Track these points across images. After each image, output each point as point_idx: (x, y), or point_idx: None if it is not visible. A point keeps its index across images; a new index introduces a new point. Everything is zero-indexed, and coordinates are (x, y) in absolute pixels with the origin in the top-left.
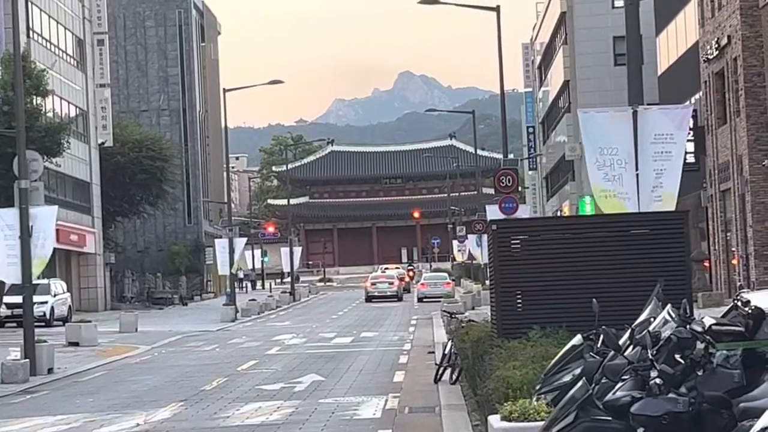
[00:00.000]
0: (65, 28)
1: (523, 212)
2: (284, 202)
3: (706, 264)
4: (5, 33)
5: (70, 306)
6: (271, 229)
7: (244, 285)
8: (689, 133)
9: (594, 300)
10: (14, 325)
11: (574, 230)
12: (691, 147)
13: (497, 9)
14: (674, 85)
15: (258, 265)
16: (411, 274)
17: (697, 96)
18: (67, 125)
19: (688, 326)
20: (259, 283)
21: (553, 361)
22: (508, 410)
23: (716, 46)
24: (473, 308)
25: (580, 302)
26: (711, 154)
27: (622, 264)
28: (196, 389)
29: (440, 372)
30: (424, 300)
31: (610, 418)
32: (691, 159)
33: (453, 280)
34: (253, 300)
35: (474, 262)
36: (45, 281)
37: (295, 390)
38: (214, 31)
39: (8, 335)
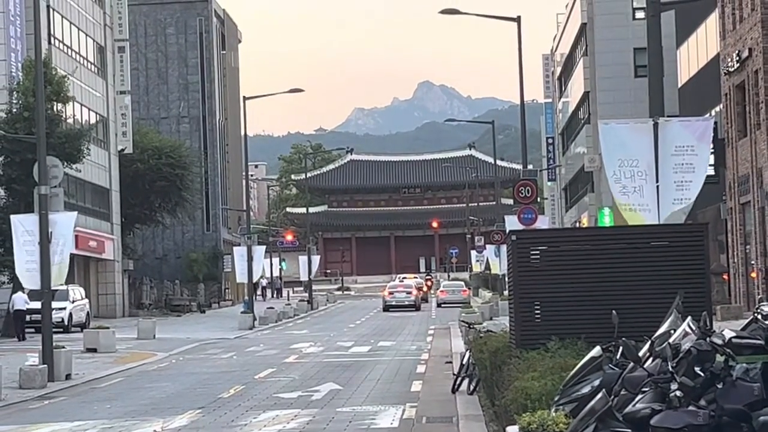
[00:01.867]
0: (86, 35)
1: (542, 223)
2: (303, 210)
3: (725, 277)
4: (27, 39)
5: (88, 312)
6: (289, 238)
7: (266, 292)
8: (711, 146)
9: (613, 311)
10: (32, 330)
11: (594, 242)
12: (711, 159)
13: (518, 20)
14: (695, 98)
15: (276, 273)
16: (429, 283)
17: (717, 108)
18: (88, 132)
19: (708, 339)
20: (283, 292)
21: (572, 372)
22: (527, 421)
23: (737, 58)
24: (491, 318)
25: (599, 314)
26: (731, 167)
27: (642, 276)
28: (213, 397)
29: (458, 382)
30: (443, 306)
31: (629, 430)
32: (710, 171)
33: (469, 288)
34: (271, 308)
35: (491, 272)
36: (63, 287)
37: (313, 398)
38: (235, 39)
39: (27, 341)
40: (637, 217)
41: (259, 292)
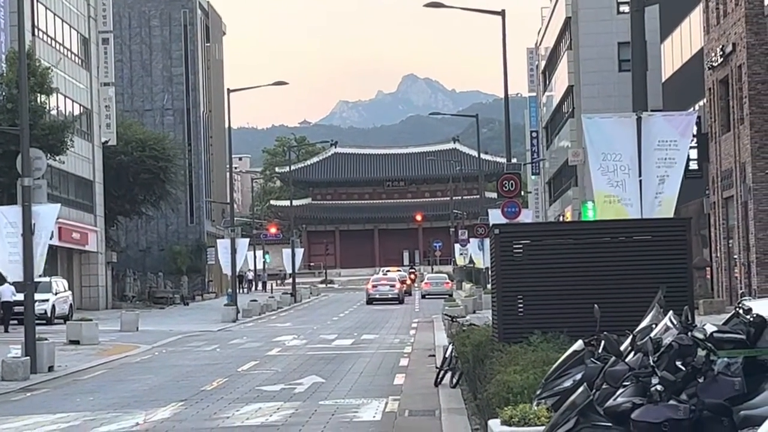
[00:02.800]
0: (70, 27)
1: (526, 217)
2: (287, 203)
3: (708, 271)
4: (10, 31)
5: (71, 304)
6: (273, 230)
7: (253, 285)
8: (692, 140)
9: (595, 305)
10: (15, 322)
11: (577, 236)
12: (694, 154)
13: (502, 13)
14: (678, 92)
15: (260, 266)
16: (412, 276)
17: (701, 103)
18: (71, 123)
19: (689, 333)
20: (268, 284)
21: (554, 366)
22: (509, 414)
23: (721, 53)
24: (474, 312)
25: (581, 308)
26: (714, 162)
27: (624, 270)
28: (196, 389)
29: (441, 375)
30: (427, 297)
31: (610, 424)
32: (694, 166)
33: (452, 281)
34: (254, 301)
35: (474, 266)
36: (46, 279)
37: (296, 391)
38: (219, 32)
39: (9, 333)
40: (620, 210)
41: (245, 285)
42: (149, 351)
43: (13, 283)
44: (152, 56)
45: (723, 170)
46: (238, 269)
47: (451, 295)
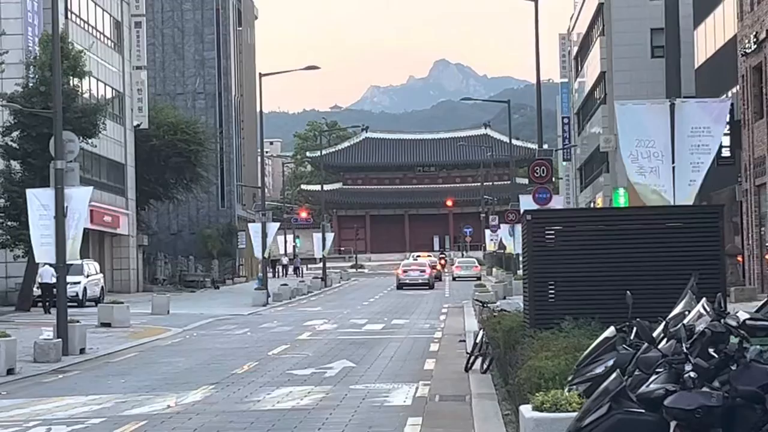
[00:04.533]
0: (103, 10)
1: (557, 203)
2: (317, 187)
3: (740, 258)
4: (44, 14)
5: (102, 287)
6: (303, 215)
7: (287, 270)
8: (726, 127)
9: (628, 292)
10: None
11: (609, 222)
12: (726, 141)
13: None
14: (711, 79)
15: (290, 250)
16: (442, 262)
17: (734, 90)
18: (104, 107)
19: (722, 320)
20: (300, 269)
21: (586, 352)
22: (540, 400)
23: (754, 40)
24: (505, 298)
25: (613, 294)
26: (747, 149)
27: (656, 257)
28: (227, 372)
29: (471, 361)
30: (457, 279)
31: (643, 411)
32: (726, 153)
33: (481, 265)
34: (285, 285)
35: (505, 251)
36: (78, 262)
37: (326, 375)
38: (251, 16)
39: (41, 315)
40: (653, 197)
41: (278, 269)
42: (180, 334)
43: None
44: (184, 40)
45: (756, 157)
46: (269, 254)
47: (479, 278)
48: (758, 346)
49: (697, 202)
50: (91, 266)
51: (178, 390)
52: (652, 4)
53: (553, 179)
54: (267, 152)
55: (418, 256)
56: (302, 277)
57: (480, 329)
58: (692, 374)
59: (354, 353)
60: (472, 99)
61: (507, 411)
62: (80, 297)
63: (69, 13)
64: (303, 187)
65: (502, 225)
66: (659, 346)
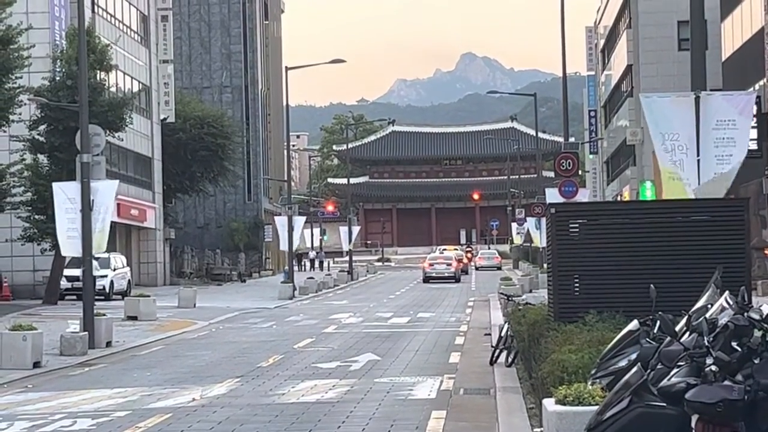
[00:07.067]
0: (130, 4)
1: (583, 196)
2: (344, 181)
3: (766, 252)
4: (71, 7)
5: (129, 280)
6: (330, 208)
7: (314, 264)
8: (753, 120)
9: (651, 286)
10: (74, 297)
11: (634, 215)
12: (754, 134)
13: None
14: (738, 72)
15: (316, 244)
16: (469, 255)
17: (761, 82)
18: (130, 100)
19: (745, 314)
20: (325, 263)
21: (609, 345)
22: (563, 394)
23: None
24: (531, 291)
25: (637, 287)
26: None
27: (681, 250)
28: (252, 366)
29: (496, 354)
30: (480, 269)
31: (664, 404)
32: (753, 146)
33: (501, 257)
34: (311, 278)
35: (531, 245)
36: (105, 255)
37: (351, 369)
38: (278, 9)
39: (68, 308)
40: (680, 188)
41: (304, 263)
42: (206, 327)
43: (72, 259)
44: (211, 33)
45: None
46: (296, 247)
47: (500, 268)
48: None
49: (735, 194)
50: (118, 260)
51: (204, 383)
52: None
53: (580, 172)
54: (293, 146)
55: (445, 249)
56: (327, 270)
57: (505, 323)
58: (713, 368)
59: (379, 347)
60: (499, 92)
61: (531, 404)
62: (107, 290)
63: (96, 7)
64: (329, 180)
65: (528, 218)
66: (682, 340)
